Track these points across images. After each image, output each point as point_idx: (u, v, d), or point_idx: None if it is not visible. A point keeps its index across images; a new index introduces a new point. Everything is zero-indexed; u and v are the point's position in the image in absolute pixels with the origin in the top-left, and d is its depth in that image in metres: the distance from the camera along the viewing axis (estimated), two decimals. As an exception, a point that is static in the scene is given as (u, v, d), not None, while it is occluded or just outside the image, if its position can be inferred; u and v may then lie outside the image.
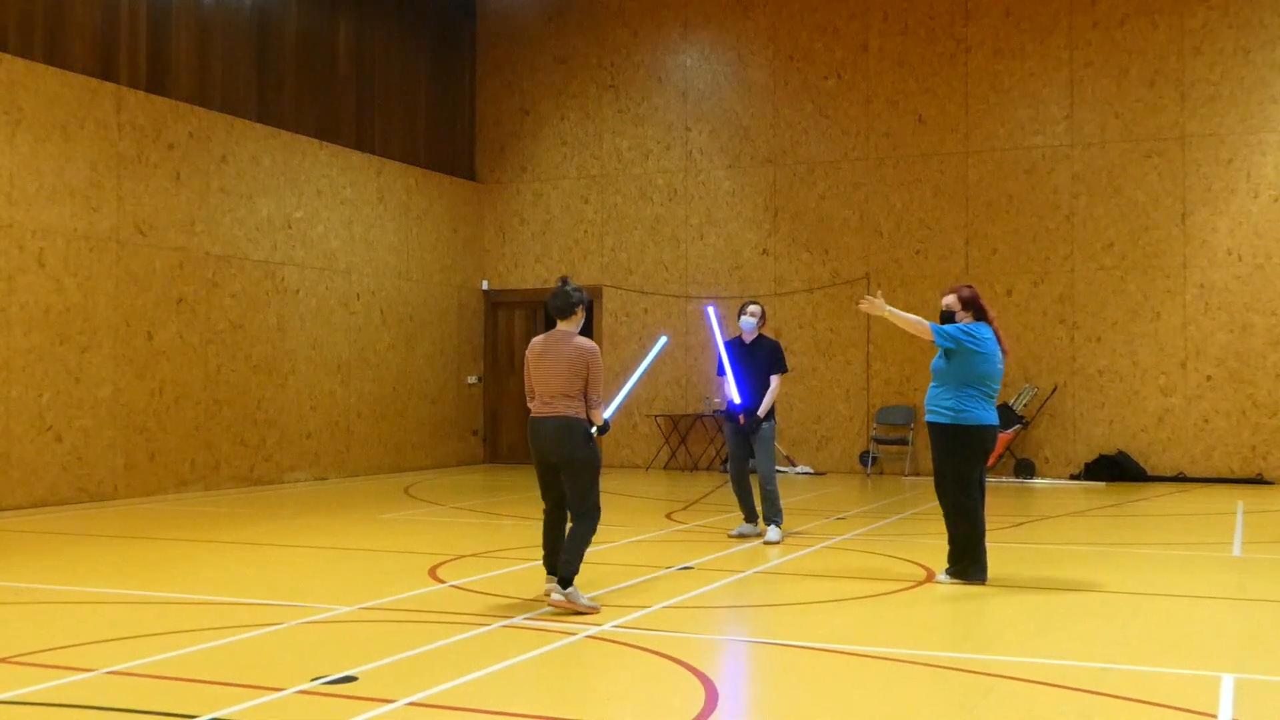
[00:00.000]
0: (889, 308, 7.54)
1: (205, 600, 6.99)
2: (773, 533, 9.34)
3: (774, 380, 9.56)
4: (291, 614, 6.43)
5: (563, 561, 6.56)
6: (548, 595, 6.57)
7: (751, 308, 9.76)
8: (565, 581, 6.51)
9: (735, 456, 9.75)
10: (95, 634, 5.96)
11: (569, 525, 6.78)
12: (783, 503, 9.66)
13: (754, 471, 9.64)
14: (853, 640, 5.90)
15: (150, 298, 12.88)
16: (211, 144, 13.70)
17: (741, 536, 9.59)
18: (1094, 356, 15.34)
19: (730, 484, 9.98)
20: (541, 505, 6.98)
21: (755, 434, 9.54)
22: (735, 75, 17.16)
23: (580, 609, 6.47)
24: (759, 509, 9.59)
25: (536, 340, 6.88)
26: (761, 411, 9.48)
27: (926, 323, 7.50)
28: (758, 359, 9.61)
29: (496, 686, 4.97)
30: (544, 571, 6.89)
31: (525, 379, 6.91)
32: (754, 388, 9.55)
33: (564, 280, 6.88)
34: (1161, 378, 15.07)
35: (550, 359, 6.70)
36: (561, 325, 6.84)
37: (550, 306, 6.86)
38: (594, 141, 17.83)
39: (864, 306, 7.63)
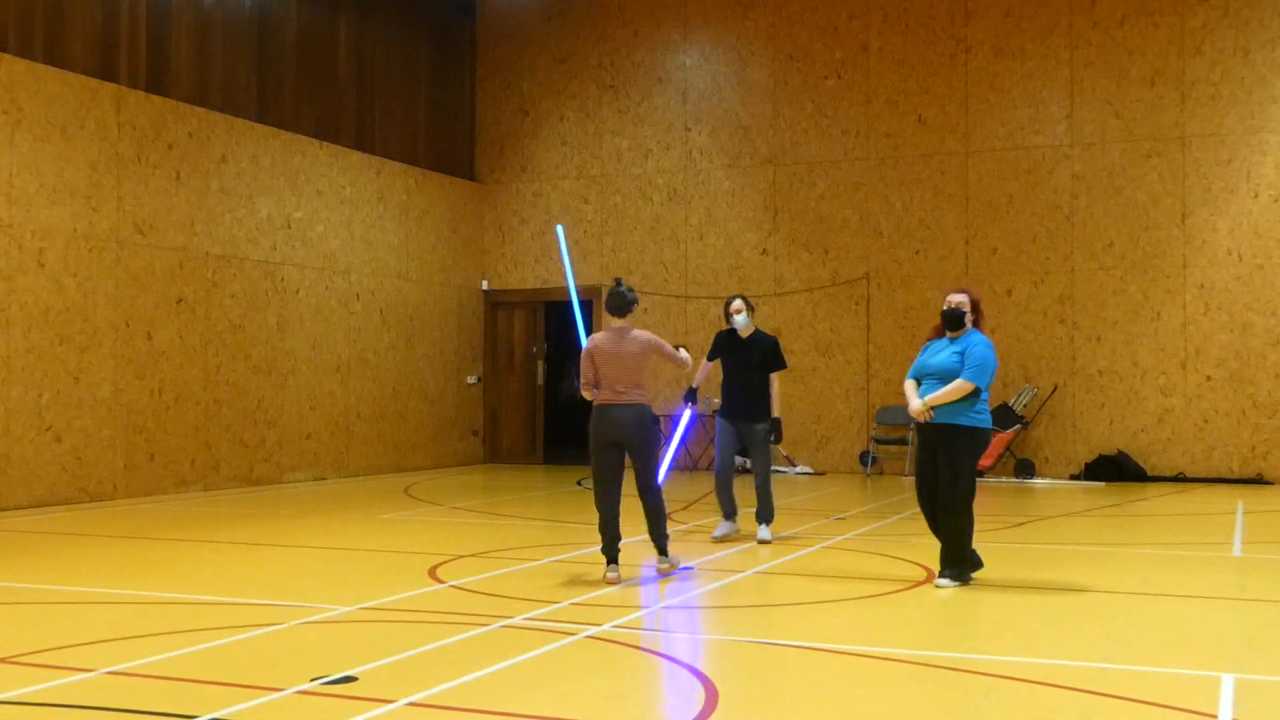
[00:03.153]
0: (929, 398, 7.39)
1: (205, 600, 6.99)
2: (763, 531, 9.23)
3: (773, 379, 9.38)
4: (291, 614, 6.43)
5: (658, 537, 7.68)
6: (611, 579, 7.34)
7: (736, 303, 9.50)
8: (664, 551, 7.70)
9: (725, 453, 9.46)
10: (95, 634, 5.96)
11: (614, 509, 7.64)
12: (783, 502, 9.63)
13: (747, 470, 9.50)
14: (853, 640, 5.90)
15: (150, 298, 12.88)
16: (211, 144, 13.70)
17: (724, 538, 9.36)
18: (1094, 356, 15.34)
19: (715, 481, 9.66)
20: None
21: (777, 439, 9.39)
22: (735, 75, 17.16)
23: (679, 566, 7.77)
24: (739, 507, 9.46)
25: (601, 337, 7.66)
26: (776, 412, 9.32)
27: (961, 383, 7.30)
28: (754, 355, 9.35)
29: (496, 686, 4.97)
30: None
31: (585, 370, 7.63)
32: (750, 383, 9.31)
33: (618, 282, 7.84)
34: (1161, 378, 15.07)
35: (620, 354, 7.56)
36: (619, 322, 7.70)
37: (609, 306, 7.72)
38: (594, 141, 17.83)
39: (917, 413, 7.50)
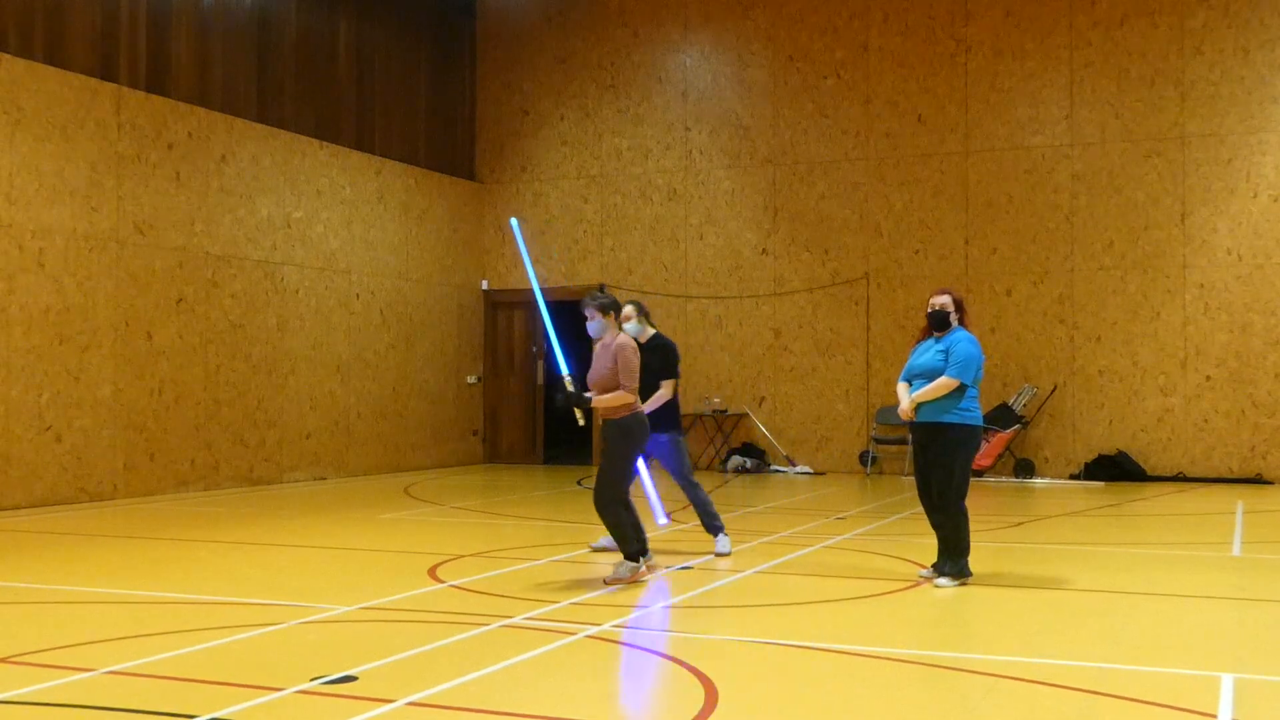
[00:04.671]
0: (915, 395, 7.44)
1: (205, 600, 6.99)
2: (721, 542, 8.67)
3: (663, 386, 8.75)
4: (291, 614, 6.44)
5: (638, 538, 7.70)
6: (653, 565, 7.65)
7: (627, 309, 8.77)
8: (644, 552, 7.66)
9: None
10: (95, 634, 5.96)
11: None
12: (783, 502, 9.58)
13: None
14: (853, 640, 5.90)
15: (150, 298, 12.88)
16: (211, 144, 13.70)
17: (603, 549, 8.75)
18: (1094, 356, 15.34)
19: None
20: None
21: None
22: (735, 75, 17.16)
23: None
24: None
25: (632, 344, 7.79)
26: (647, 408, 8.39)
27: (945, 379, 7.36)
28: (653, 361, 8.54)
29: (496, 686, 4.97)
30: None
31: (638, 374, 7.63)
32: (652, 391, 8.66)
33: (601, 288, 7.82)
34: (1161, 378, 15.07)
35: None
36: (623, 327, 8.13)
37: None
38: (594, 141, 17.83)
39: (903, 413, 7.56)
